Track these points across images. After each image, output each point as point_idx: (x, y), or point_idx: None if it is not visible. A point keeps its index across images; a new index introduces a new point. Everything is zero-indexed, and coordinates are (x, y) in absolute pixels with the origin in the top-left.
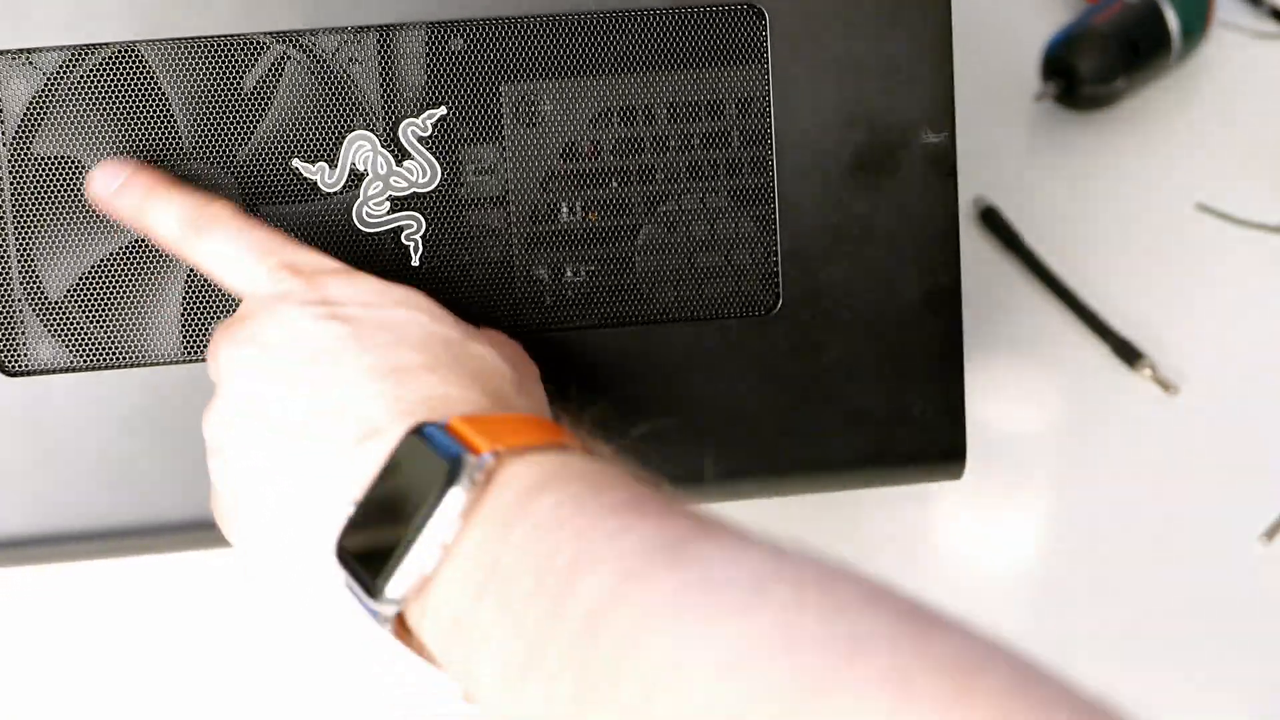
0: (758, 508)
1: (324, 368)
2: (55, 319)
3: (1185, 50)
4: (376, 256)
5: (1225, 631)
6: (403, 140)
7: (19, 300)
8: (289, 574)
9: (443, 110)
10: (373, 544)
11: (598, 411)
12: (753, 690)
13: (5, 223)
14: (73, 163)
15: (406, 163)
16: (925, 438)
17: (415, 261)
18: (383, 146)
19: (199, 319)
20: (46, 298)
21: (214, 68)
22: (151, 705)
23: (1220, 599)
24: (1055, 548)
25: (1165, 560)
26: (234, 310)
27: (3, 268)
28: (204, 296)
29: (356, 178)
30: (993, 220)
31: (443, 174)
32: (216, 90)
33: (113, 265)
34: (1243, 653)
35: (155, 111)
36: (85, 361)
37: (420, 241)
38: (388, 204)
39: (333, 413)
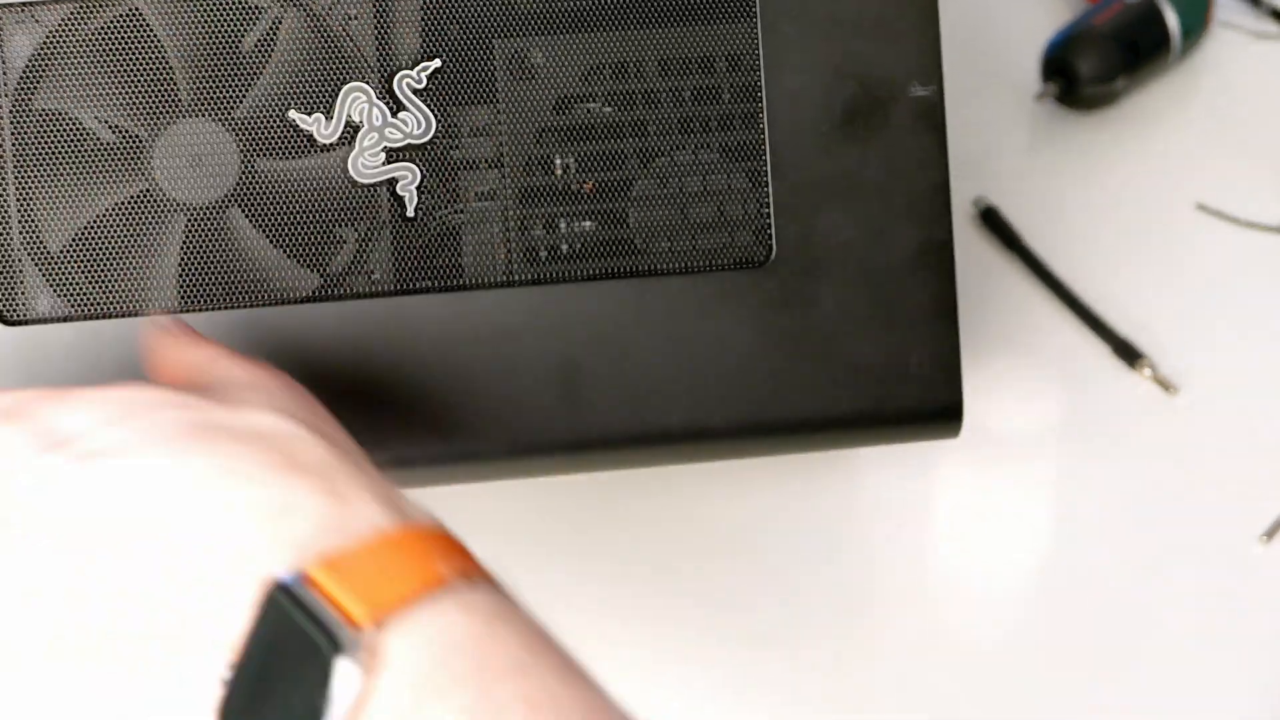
0: (756, 487)
1: None
2: (55, 270)
3: (1185, 50)
4: (372, 208)
5: (1225, 631)
6: (398, 92)
7: (18, 251)
8: None
9: (437, 63)
10: None
11: None
12: None
13: (6, 175)
14: (74, 117)
15: (401, 114)
16: (921, 393)
17: (410, 213)
18: (378, 98)
19: (196, 270)
20: (46, 249)
21: (212, 23)
22: None
23: (1220, 599)
24: (1055, 548)
25: (1165, 560)
26: (235, 267)
27: (3, 219)
28: (201, 248)
29: (352, 129)
30: (993, 220)
31: (437, 126)
32: (214, 45)
33: (112, 218)
34: (1243, 653)
35: (154, 66)
36: (84, 312)
37: (415, 193)
38: (383, 155)
39: None
